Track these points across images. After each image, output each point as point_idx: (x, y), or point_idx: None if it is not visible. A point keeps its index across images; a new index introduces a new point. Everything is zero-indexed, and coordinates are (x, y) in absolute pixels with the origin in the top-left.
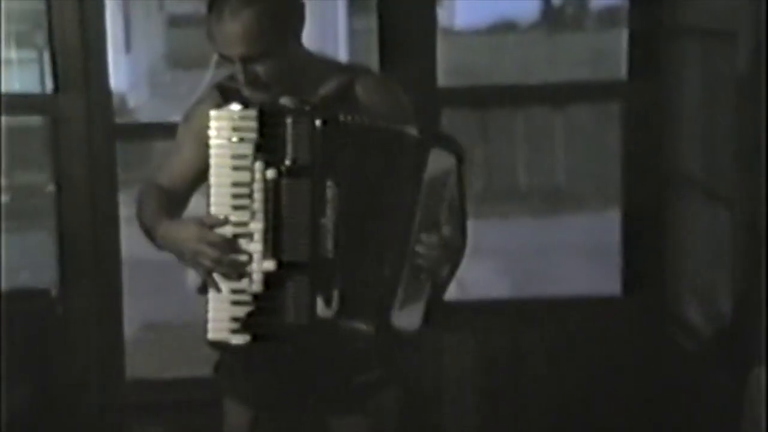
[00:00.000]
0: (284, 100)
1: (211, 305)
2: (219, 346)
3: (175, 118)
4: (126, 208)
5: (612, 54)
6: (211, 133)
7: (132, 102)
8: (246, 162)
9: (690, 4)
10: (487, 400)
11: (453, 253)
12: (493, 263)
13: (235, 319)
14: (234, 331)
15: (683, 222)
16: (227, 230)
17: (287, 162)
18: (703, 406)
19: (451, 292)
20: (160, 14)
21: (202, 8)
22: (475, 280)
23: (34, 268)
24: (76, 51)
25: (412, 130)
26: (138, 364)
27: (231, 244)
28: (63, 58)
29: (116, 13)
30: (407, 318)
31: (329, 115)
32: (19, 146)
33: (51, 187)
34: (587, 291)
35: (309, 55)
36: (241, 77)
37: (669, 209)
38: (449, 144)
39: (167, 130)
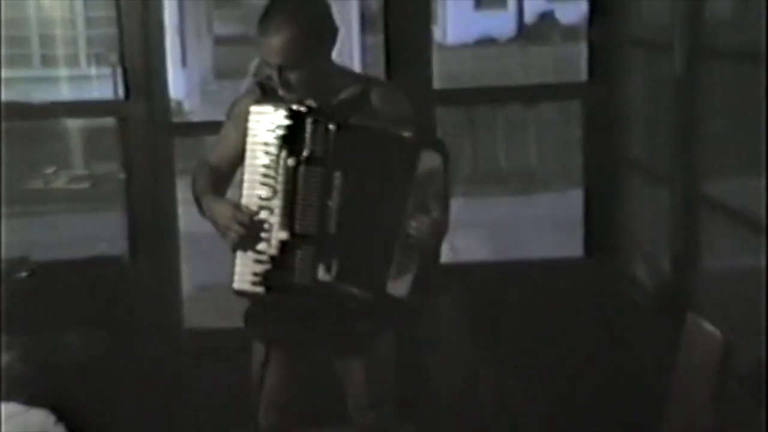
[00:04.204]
0: (309, 102)
1: (238, 261)
2: (241, 294)
3: (221, 118)
4: (182, 192)
5: (574, 62)
6: (250, 124)
7: (187, 106)
8: (274, 149)
9: (635, 21)
10: (474, 346)
11: (439, 231)
12: (479, 233)
13: (255, 274)
14: (253, 284)
15: (632, 198)
16: (254, 202)
17: (305, 153)
18: (647, 346)
19: (445, 256)
20: (209, 35)
21: (241, 30)
22: (464, 246)
23: (109, 240)
24: (141, 66)
25: (408, 133)
26: (193, 317)
27: (256, 225)
28: (131, 73)
29: (174, 35)
30: (400, 286)
31: (342, 118)
32: (97, 142)
33: (122, 175)
34: (555, 254)
35: (334, 66)
36: (276, 81)
37: (621, 188)
38: (438, 146)
39: (215, 128)
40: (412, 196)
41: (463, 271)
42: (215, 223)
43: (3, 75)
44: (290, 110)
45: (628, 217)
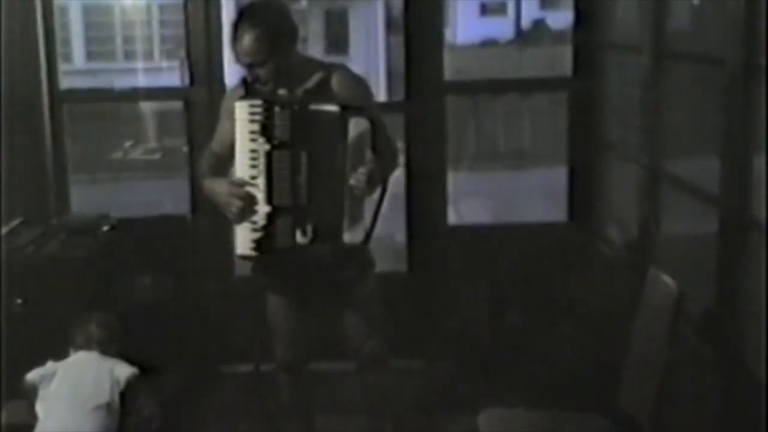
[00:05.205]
0: (281, 92)
1: (238, 232)
2: (243, 257)
3: None
4: None
5: (561, 61)
6: (236, 115)
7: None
8: (256, 136)
9: (612, 28)
10: (475, 292)
11: (376, 179)
12: (481, 200)
13: (252, 241)
14: (251, 249)
15: (606, 173)
16: (245, 181)
17: (276, 138)
18: (616, 293)
19: (453, 219)
20: None
21: None
22: (468, 210)
23: (174, 202)
24: (203, 60)
25: (335, 108)
26: (243, 266)
27: (250, 197)
28: (195, 65)
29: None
30: (354, 235)
31: (302, 105)
32: (166, 122)
33: (186, 148)
34: (545, 218)
35: (299, 59)
36: (248, 77)
37: (598, 165)
38: (363, 113)
39: None
40: (349, 158)
41: (467, 231)
42: (216, 201)
43: (93, 67)
44: (264, 102)
45: (604, 189)
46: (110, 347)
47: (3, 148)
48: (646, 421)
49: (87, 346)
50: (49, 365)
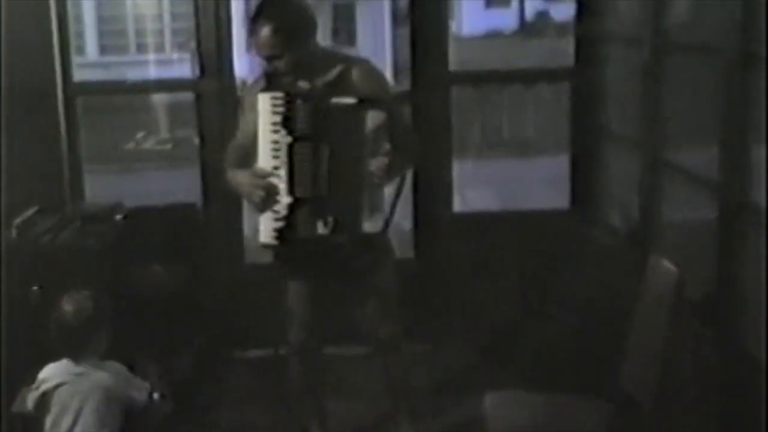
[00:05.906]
0: (302, 84)
1: (261, 220)
2: (266, 246)
3: None
4: None
5: (564, 52)
6: (259, 107)
7: (249, 83)
8: (278, 128)
9: (613, 19)
10: (481, 278)
11: (397, 168)
12: (487, 187)
13: (274, 230)
14: (274, 238)
15: (608, 160)
16: (268, 171)
17: (297, 130)
18: (618, 279)
19: (459, 206)
20: None
21: None
22: (474, 198)
23: (186, 191)
24: (213, 51)
25: (352, 101)
26: (252, 254)
27: (272, 188)
28: (206, 57)
29: (240, 26)
30: (374, 224)
31: (324, 98)
32: (177, 113)
33: (197, 139)
34: (547, 206)
35: (319, 50)
36: (266, 69)
37: (600, 153)
38: (379, 105)
39: None
40: (368, 149)
41: (472, 218)
42: (240, 191)
43: (105, 60)
44: (286, 95)
45: (606, 177)
46: (91, 334)
47: (3, 142)
48: (647, 402)
49: (65, 339)
50: (37, 385)
